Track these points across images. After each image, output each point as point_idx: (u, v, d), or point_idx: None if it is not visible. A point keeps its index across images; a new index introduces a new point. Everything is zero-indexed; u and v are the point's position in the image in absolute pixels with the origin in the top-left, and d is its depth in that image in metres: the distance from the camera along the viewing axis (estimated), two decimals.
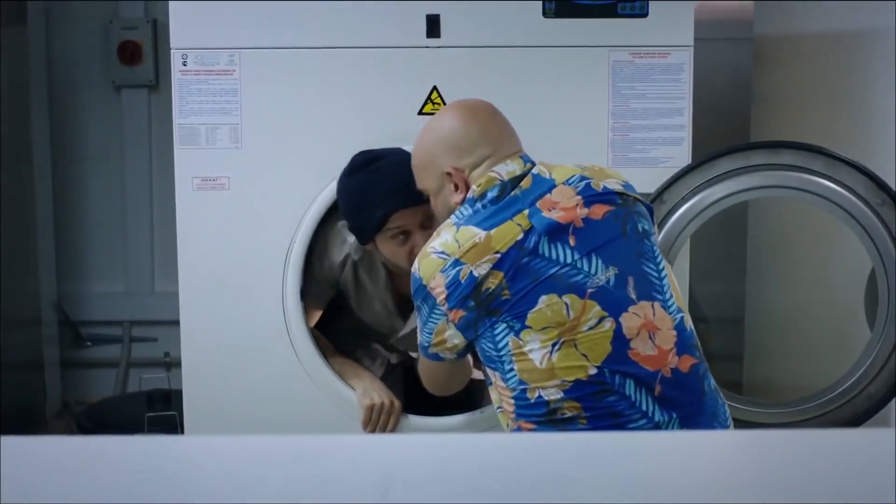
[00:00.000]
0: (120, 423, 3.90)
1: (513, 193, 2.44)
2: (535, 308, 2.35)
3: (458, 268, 2.39)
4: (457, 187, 2.51)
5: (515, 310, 2.37)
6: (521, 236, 2.38)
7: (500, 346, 2.39)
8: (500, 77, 2.98)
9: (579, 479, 1.26)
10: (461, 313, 2.41)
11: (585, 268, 2.38)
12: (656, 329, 2.38)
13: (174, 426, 3.60)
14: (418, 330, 2.55)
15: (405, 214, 2.77)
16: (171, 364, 4.39)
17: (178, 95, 2.98)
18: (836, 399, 3.04)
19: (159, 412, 3.72)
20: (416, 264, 2.49)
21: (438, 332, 2.48)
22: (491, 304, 2.38)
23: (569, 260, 2.38)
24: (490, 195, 2.45)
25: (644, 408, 2.35)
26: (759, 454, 1.45)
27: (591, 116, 3.01)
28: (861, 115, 3.35)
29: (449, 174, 2.51)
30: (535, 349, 2.36)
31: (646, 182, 3.01)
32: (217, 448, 1.34)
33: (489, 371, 2.46)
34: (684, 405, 2.38)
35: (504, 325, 2.38)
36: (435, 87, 2.97)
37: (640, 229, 2.47)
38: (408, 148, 2.71)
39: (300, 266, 2.99)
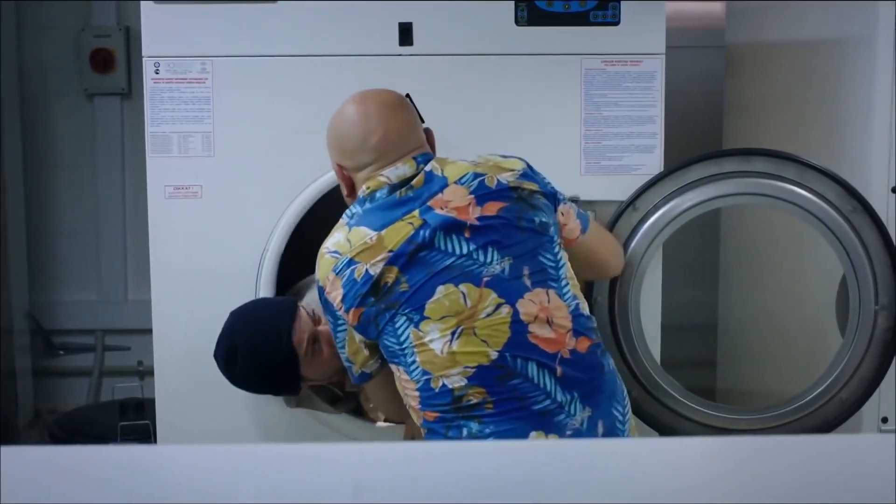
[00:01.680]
0: (93, 433, 3.88)
1: (404, 193, 2.49)
2: (433, 298, 2.41)
3: (352, 267, 2.45)
4: (343, 183, 2.61)
5: (413, 301, 2.42)
6: (412, 233, 2.44)
7: (402, 339, 2.43)
8: (473, 85, 2.99)
9: (554, 486, 1.26)
10: (360, 311, 2.45)
11: (481, 258, 2.44)
12: (552, 314, 2.44)
13: (147, 435, 3.58)
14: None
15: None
16: (145, 373, 4.37)
17: (150, 103, 2.97)
18: (809, 405, 3.05)
19: (132, 421, 3.70)
20: (316, 267, 2.54)
21: (349, 342, 2.54)
22: (390, 297, 2.43)
23: (464, 251, 2.44)
24: (379, 196, 2.50)
25: (547, 388, 2.41)
26: (738, 460, 1.45)
27: (563, 124, 3.02)
28: (832, 123, 3.37)
29: (336, 169, 2.62)
30: (435, 339, 2.41)
31: (618, 189, 3.02)
32: (190, 457, 1.34)
33: (393, 367, 2.49)
34: (584, 384, 2.45)
35: (403, 317, 2.43)
36: (408, 95, 2.97)
37: (537, 222, 2.51)
38: None
39: (273, 274, 2.98)
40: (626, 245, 3.00)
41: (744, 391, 3.88)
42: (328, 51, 2.96)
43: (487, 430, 2.40)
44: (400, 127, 2.57)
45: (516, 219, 2.48)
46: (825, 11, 3.39)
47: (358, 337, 2.51)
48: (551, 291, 2.46)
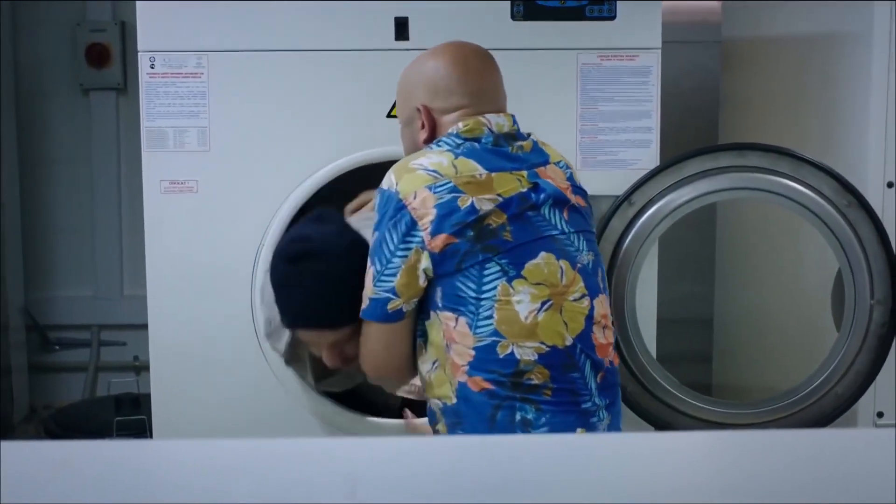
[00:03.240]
0: (88, 428, 3.88)
1: (515, 149, 2.41)
2: (534, 261, 2.30)
3: (455, 194, 2.27)
4: (423, 125, 2.45)
5: (514, 255, 2.29)
6: (524, 190, 2.34)
7: (486, 288, 2.27)
8: None
9: (551, 482, 1.26)
10: (451, 240, 2.25)
11: (575, 243, 2.39)
12: (608, 323, 2.42)
13: (143, 430, 3.58)
14: (369, 283, 2.33)
15: (311, 334, 2.56)
16: (140, 368, 4.37)
17: (145, 98, 2.97)
18: (804, 399, 3.06)
19: (128, 416, 3.70)
20: (389, 178, 2.32)
21: (407, 271, 2.28)
22: (490, 240, 2.27)
23: (564, 230, 2.38)
24: (484, 139, 2.38)
25: (592, 390, 2.37)
26: (733, 455, 1.46)
27: (559, 119, 3.02)
28: (827, 117, 3.37)
29: (418, 110, 2.46)
30: (524, 301, 2.28)
31: (614, 184, 3.02)
32: (186, 452, 1.34)
33: (445, 316, 2.30)
34: (612, 396, 2.43)
35: (497, 267, 2.27)
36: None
37: (596, 237, 2.54)
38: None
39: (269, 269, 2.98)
40: (621, 239, 3.00)
41: (739, 386, 3.89)
42: (324, 45, 2.96)
43: (542, 421, 2.29)
44: (496, 79, 2.52)
45: (591, 224, 2.48)
46: (821, 7, 3.39)
47: (424, 266, 2.27)
48: (607, 302, 2.45)
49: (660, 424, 3.07)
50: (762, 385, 3.58)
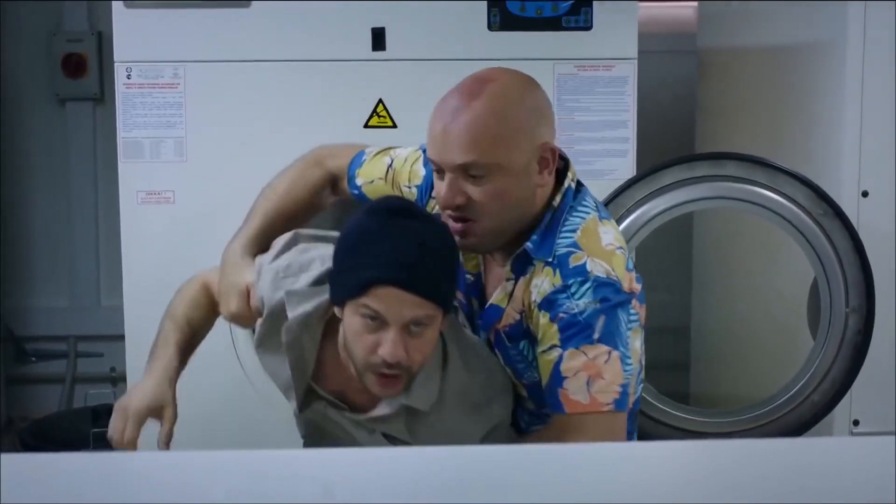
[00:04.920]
0: (65, 440, 3.86)
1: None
2: None
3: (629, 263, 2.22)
4: (543, 168, 2.18)
5: None
6: None
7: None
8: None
9: (527, 490, 1.26)
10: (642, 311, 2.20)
11: None
12: None
13: None
14: (618, 369, 2.11)
15: (393, 298, 2.04)
16: (117, 379, 4.35)
17: (121, 109, 2.97)
18: (781, 407, 3.07)
19: (105, 428, 3.67)
20: (601, 266, 2.14)
21: (634, 353, 2.15)
22: None
23: None
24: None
25: None
26: (711, 464, 1.46)
27: None
28: (803, 127, 3.39)
29: (545, 148, 2.17)
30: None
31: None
32: (161, 463, 1.33)
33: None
34: None
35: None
36: (381, 101, 2.97)
37: None
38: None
39: None
40: None
41: (717, 394, 3.90)
42: (301, 56, 2.96)
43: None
44: None
45: None
46: (795, 16, 3.41)
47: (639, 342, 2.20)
48: None
49: (637, 434, 3.07)
50: (739, 393, 3.59)
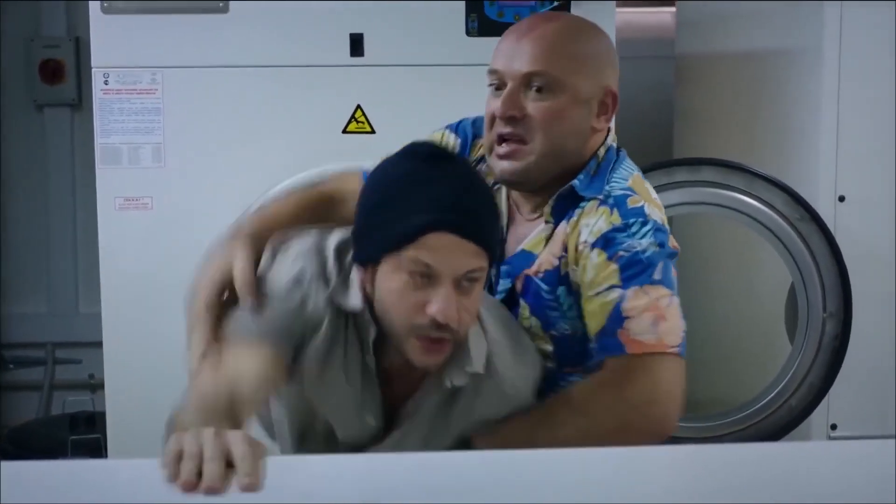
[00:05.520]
0: (43, 447, 3.84)
1: None
2: None
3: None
4: (601, 113, 2.12)
5: None
6: None
7: None
8: (424, 95, 2.99)
9: (513, 495, 1.26)
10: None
11: None
12: None
13: (98, 449, 3.55)
14: (677, 313, 2.05)
15: (449, 247, 1.79)
16: (96, 386, 4.33)
17: (99, 114, 2.96)
18: (759, 412, 3.08)
19: (83, 435, 3.67)
20: (657, 213, 2.05)
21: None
22: None
23: None
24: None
25: None
26: (689, 469, 1.47)
27: None
28: (779, 132, 3.40)
29: (608, 93, 2.11)
30: None
31: None
32: (141, 471, 1.33)
33: None
34: None
35: None
36: (359, 106, 2.97)
37: None
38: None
39: None
40: None
41: (694, 399, 3.90)
42: (279, 61, 2.96)
43: None
44: None
45: None
46: (773, 22, 3.43)
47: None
48: None
49: None
50: (716, 398, 3.60)
